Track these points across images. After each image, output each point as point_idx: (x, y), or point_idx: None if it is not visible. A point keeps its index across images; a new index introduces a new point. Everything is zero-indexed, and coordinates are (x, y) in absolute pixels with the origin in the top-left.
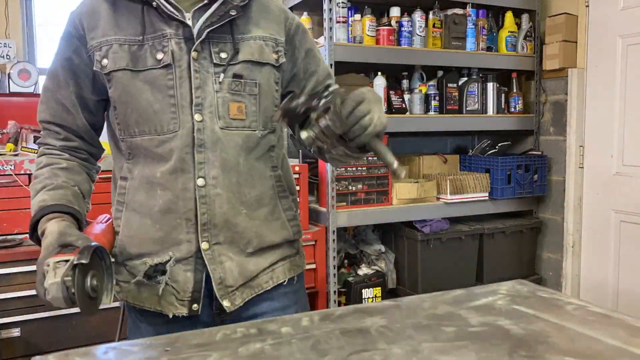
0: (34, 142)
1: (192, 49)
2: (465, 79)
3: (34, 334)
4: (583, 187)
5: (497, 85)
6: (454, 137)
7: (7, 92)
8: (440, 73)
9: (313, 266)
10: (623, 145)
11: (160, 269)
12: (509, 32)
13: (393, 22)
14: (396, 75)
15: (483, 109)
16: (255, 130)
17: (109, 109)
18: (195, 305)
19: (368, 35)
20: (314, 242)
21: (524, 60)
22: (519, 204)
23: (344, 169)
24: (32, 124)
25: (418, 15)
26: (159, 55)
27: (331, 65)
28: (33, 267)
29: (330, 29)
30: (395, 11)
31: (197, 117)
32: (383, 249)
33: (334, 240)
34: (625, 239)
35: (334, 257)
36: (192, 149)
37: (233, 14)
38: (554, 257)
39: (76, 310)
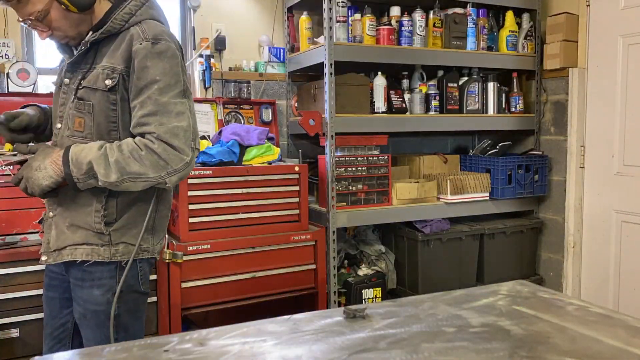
0: None
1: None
2: (466, 78)
3: (33, 334)
4: (584, 187)
5: (498, 85)
6: (455, 137)
7: (6, 91)
8: (440, 73)
9: (313, 267)
10: (624, 145)
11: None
12: (509, 31)
13: (393, 22)
14: (396, 74)
15: (483, 109)
16: (91, 140)
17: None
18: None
19: (368, 34)
20: (314, 243)
21: (524, 60)
22: (519, 204)
23: (343, 169)
24: None
25: (418, 15)
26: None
27: (331, 64)
28: (32, 268)
29: (330, 28)
30: (395, 10)
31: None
32: (383, 249)
33: (334, 240)
34: (626, 239)
35: (334, 258)
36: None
37: (82, 48)
38: (555, 257)
39: None
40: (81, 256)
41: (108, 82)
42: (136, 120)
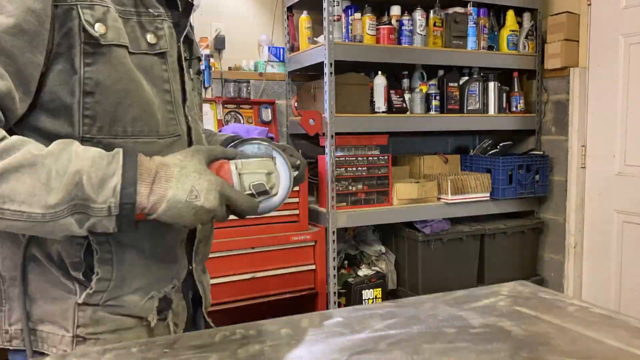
0: None
1: (182, 38)
2: (466, 78)
3: None
4: (585, 188)
5: (499, 85)
6: (455, 137)
7: None
8: (441, 72)
9: (313, 267)
10: (625, 145)
11: (168, 301)
12: (510, 30)
13: (393, 21)
14: (397, 74)
15: (484, 109)
16: None
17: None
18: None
19: (368, 34)
20: (313, 243)
21: (525, 59)
22: (520, 204)
23: (343, 169)
24: None
25: (419, 14)
26: (150, 38)
27: (331, 64)
28: None
29: (330, 27)
30: (395, 10)
31: (189, 118)
32: (383, 249)
33: (333, 240)
34: (628, 240)
35: (334, 258)
36: None
37: (196, 3)
38: (556, 257)
39: None
40: None
41: None
42: None
